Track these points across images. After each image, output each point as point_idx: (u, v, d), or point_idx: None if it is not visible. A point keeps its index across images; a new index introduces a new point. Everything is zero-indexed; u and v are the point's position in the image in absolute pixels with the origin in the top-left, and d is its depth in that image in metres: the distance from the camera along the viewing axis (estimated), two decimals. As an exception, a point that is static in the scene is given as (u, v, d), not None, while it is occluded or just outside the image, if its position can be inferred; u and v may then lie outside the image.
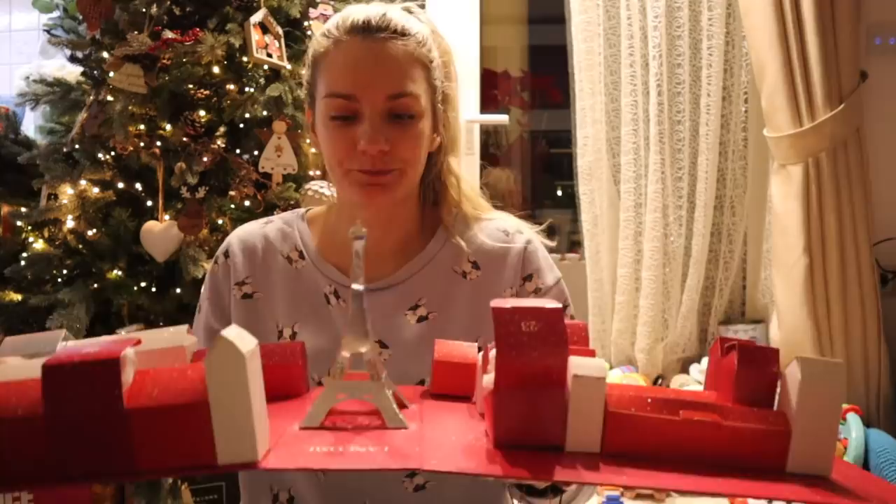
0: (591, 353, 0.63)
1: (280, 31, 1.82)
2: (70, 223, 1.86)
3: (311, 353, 1.01)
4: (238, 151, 1.84)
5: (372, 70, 0.95)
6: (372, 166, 0.96)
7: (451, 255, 1.06)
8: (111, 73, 1.74)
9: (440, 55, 1.03)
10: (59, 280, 1.86)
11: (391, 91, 0.95)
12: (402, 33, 0.97)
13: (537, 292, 1.06)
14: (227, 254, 1.09)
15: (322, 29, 1.01)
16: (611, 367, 2.20)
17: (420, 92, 0.98)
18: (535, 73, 3.03)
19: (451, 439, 0.61)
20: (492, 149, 3.05)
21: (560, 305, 0.59)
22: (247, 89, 1.82)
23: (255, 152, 1.83)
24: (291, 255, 1.07)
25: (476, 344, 0.80)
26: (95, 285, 1.80)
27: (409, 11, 1.03)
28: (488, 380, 0.59)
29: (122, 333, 1.75)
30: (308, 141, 1.91)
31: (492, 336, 0.99)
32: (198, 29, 1.75)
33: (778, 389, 0.61)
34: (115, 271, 1.83)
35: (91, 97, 1.86)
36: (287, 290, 1.05)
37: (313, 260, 1.06)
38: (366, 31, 0.96)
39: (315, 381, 1.01)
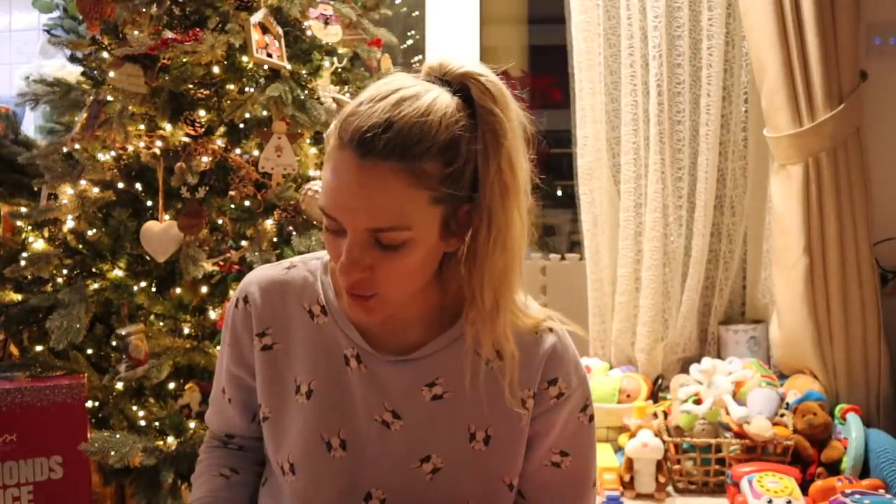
0: None
1: (280, 31, 1.82)
2: (70, 223, 1.86)
3: (323, 415, 1.00)
4: (238, 151, 1.84)
5: (356, 198, 0.85)
6: (350, 289, 0.91)
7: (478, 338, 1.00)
8: (111, 73, 1.74)
9: (493, 129, 0.88)
10: (59, 280, 1.86)
11: (371, 226, 0.86)
12: (406, 149, 0.84)
13: (559, 397, 1.01)
14: (246, 299, 1.04)
15: (344, 111, 0.89)
16: (611, 367, 2.20)
17: (415, 221, 0.87)
18: (535, 73, 3.03)
19: None
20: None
21: None
22: (247, 89, 1.82)
23: (255, 152, 1.83)
24: (314, 308, 1.02)
25: None
26: (95, 285, 1.80)
27: (444, 78, 0.90)
28: None
29: (122, 333, 1.76)
30: (308, 141, 1.92)
31: (501, 427, 1.00)
32: (198, 29, 1.75)
33: None
34: (115, 271, 1.83)
35: (91, 97, 1.86)
36: (307, 344, 1.02)
37: (336, 318, 1.01)
38: (361, 146, 0.84)
39: (325, 441, 1.00)
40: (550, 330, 1.02)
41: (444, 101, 0.88)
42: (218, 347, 1.77)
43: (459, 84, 0.90)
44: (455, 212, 0.90)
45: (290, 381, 1.02)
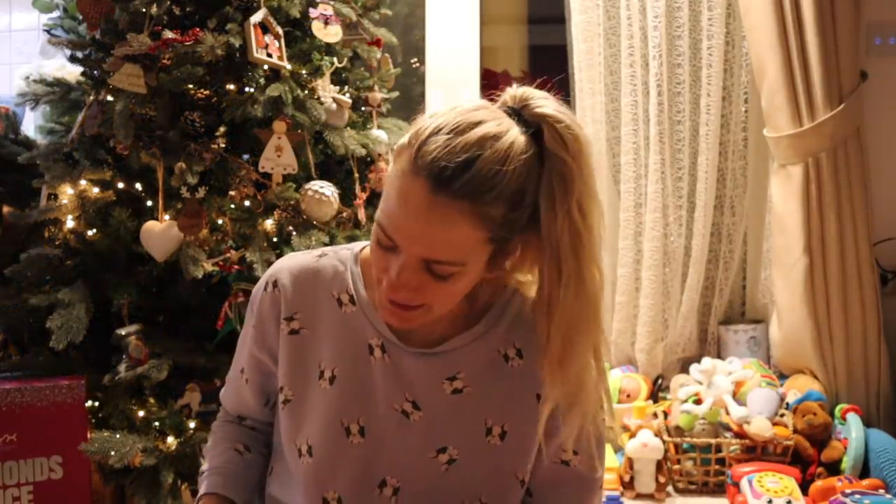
0: None
1: (280, 31, 1.82)
2: (70, 223, 1.86)
3: (344, 401, 1.02)
4: (238, 151, 1.84)
5: (420, 229, 0.86)
6: (395, 300, 0.92)
7: (499, 336, 1.03)
8: (111, 73, 1.74)
9: (561, 175, 0.87)
10: (60, 280, 1.86)
11: (428, 256, 0.88)
12: (480, 194, 0.84)
13: None
14: (275, 284, 1.06)
15: (422, 132, 0.87)
16: (611, 367, 2.20)
17: (469, 258, 0.89)
18: (535, 73, 3.03)
19: None
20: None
21: None
22: (247, 89, 1.82)
23: (256, 152, 1.83)
24: (342, 297, 1.04)
25: None
26: (95, 285, 1.80)
27: (523, 114, 0.89)
28: None
29: (122, 333, 1.76)
30: (308, 141, 1.91)
31: (517, 423, 1.01)
32: (198, 29, 1.75)
33: None
34: (115, 271, 1.83)
35: (91, 97, 1.86)
36: (333, 331, 1.04)
37: (364, 308, 1.03)
38: (437, 180, 0.84)
39: (344, 427, 1.01)
40: None
41: (520, 145, 0.87)
42: (216, 347, 1.78)
43: (536, 125, 0.89)
44: (504, 247, 0.92)
45: (314, 366, 1.04)
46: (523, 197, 0.88)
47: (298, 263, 1.07)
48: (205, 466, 1.12)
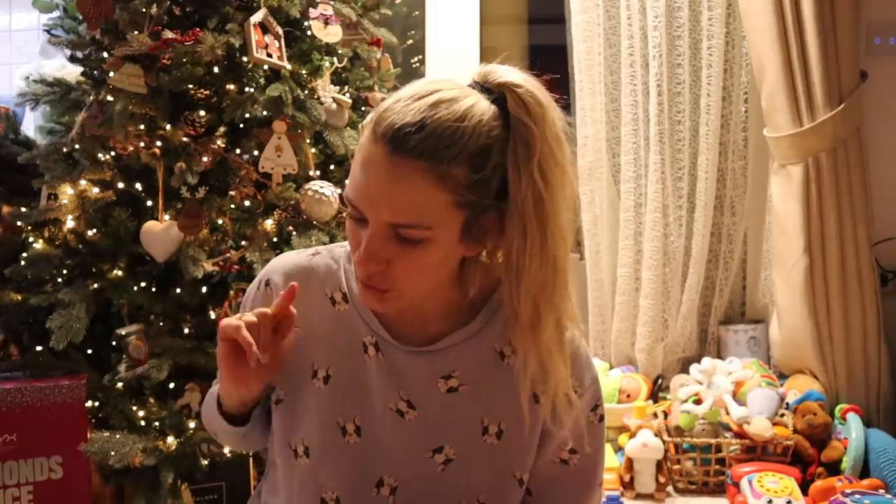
0: None
1: (280, 31, 1.82)
2: (70, 223, 1.86)
3: (339, 400, 1.01)
4: (238, 151, 1.84)
5: (381, 191, 0.87)
6: (365, 280, 0.93)
7: (494, 333, 1.02)
8: (111, 73, 1.74)
9: (525, 140, 0.88)
10: (59, 280, 1.86)
11: (392, 220, 0.88)
12: (436, 151, 0.85)
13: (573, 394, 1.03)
14: (267, 283, 1.05)
15: (382, 105, 0.90)
16: (611, 367, 2.20)
17: (435, 221, 0.88)
18: (535, 73, 3.03)
19: None
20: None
21: None
22: (247, 89, 1.82)
23: (255, 152, 1.83)
24: (335, 295, 1.04)
25: None
26: (95, 285, 1.80)
27: (485, 85, 0.91)
28: None
29: (122, 333, 1.76)
30: (308, 141, 1.91)
31: (514, 422, 1.01)
32: (198, 29, 1.75)
33: None
34: (115, 271, 1.83)
35: (91, 97, 1.86)
36: (326, 330, 1.03)
37: (357, 307, 1.03)
38: (393, 142, 0.86)
39: (340, 427, 1.01)
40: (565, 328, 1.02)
41: (480, 108, 0.88)
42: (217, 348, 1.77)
43: (498, 93, 0.90)
44: (477, 218, 0.91)
45: (307, 365, 1.03)
46: (487, 159, 0.88)
47: (291, 262, 1.07)
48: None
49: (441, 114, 0.86)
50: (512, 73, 0.92)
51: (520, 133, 0.89)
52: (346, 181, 0.93)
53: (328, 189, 1.82)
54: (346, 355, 1.02)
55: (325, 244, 1.75)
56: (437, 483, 1.02)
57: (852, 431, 1.77)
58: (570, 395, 0.98)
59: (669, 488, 1.84)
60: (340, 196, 1.86)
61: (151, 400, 1.78)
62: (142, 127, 1.80)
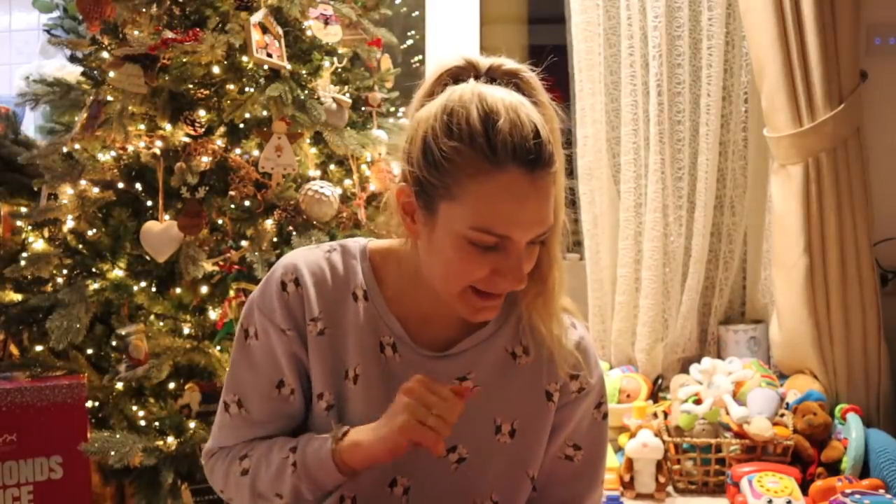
0: None
1: (280, 31, 1.82)
2: (70, 223, 1.86)
3: (365, 399, 1.00)
4: (238, 151, 1.84)
5: (535, 213, 0.88)
6: (500, 292, 0.93)
7: (508, 334, 1.04)
8: (111, 73, 1.74)
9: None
10: (59, 280, 1.86)
11: (543, 230, 0.90)
12: (554, 147, 0.89)
13: (580, 392, 1.04)
14: (297, 282, 1.01)
15: (460, 125, 0.88)
16: (611, 367, 2.19)
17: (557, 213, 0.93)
18: (535, 73, 3.02)
19: None
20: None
21: None
22: (247, 89, 1.82)
23: (255, 152, 1.83)
24: (357, 292, 1.02)
25: None
26: (95, 285, 1.80)
27: (493, 75, 0.93)
28: None
29: (122, 333, 1.76)
30: (309, 141, 1.92)
31: (528, 422, 1.02)
32: (198, 29, 1.75)
33: None
34: (115, 271, 1.83)
35: (91, 97, 1.86)
36: (353, 327, 1.02)
37: (376, 305, 1.02)
38: (531, 164, 0.87)
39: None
40: (574, 326, 1.05)
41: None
42: (217, 348, 1.78)
43: (507, 81, 0.93)
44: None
45: (341, 366, 1.02)
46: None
47: (314, 261, 1.03)
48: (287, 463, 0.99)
49: (532, 114, 0.89)
50: (504, 59, 0.95)
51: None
52: (456, 218, 0.89)
53: (328, 189, 1.82)
54: (369, 353, 1.02)
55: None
56: (450, 482, 1.02)
57: (852, 431, 1.77)
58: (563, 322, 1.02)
59: (669, 488, 1.84)
60: (340, 196, 1.87)
61: (151, 400, 1.79)
62: (142, 127, 1.80)
